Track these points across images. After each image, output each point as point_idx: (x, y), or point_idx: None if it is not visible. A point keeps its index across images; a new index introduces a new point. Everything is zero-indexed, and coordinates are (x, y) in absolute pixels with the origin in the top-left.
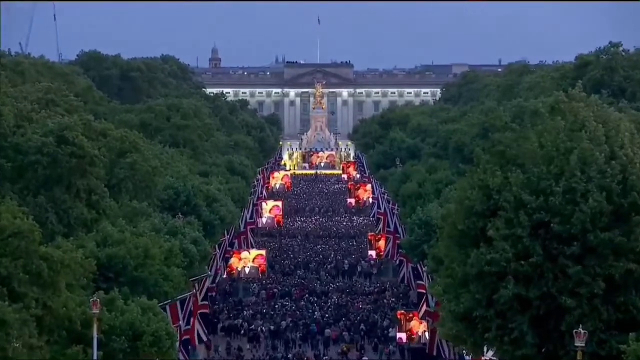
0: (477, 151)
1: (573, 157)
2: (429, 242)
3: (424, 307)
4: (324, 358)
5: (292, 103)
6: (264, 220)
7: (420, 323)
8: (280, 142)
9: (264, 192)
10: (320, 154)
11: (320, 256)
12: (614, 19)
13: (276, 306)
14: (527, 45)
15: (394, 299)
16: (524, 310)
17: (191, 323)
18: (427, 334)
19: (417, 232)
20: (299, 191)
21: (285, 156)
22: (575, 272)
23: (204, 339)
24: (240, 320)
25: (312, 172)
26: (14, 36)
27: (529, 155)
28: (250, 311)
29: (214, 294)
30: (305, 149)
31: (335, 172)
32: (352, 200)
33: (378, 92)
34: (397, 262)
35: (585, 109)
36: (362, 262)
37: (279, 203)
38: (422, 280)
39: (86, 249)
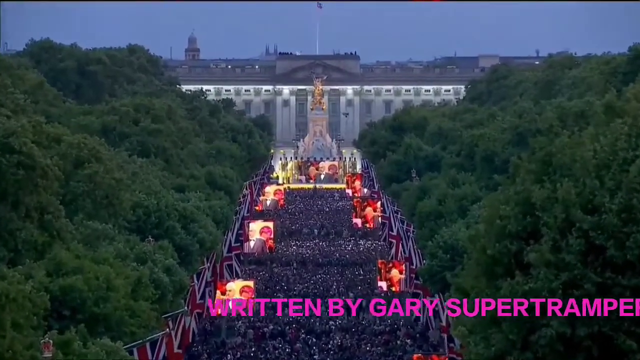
0: (515, 160)
1: (634, 168)
2: (453, 270)
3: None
4: None
5: (285, 103)
6: (251, 244)
7: None
8: (272, 150)
9: (252, 210)
10: (321, 164)
11: (321, 288)
12: None
13: (267, 349)
14: (570, 33)
15: (409, 340)
16: (569, 354)
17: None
18: None
19: (440, 257)
20: (294, 209)
21: (278, 167)
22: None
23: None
24: None
25: (310, 186)
26: None
27: (582, 164)
28: (237, 354)
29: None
30: (301, 158)
31: (338, 186)
32: (358, 221)
33: (390, 90)
34: (413, 294)
35: None
36: (371, 295)
37: (270, 224)
38: (443, 319)
39: (36, 279)
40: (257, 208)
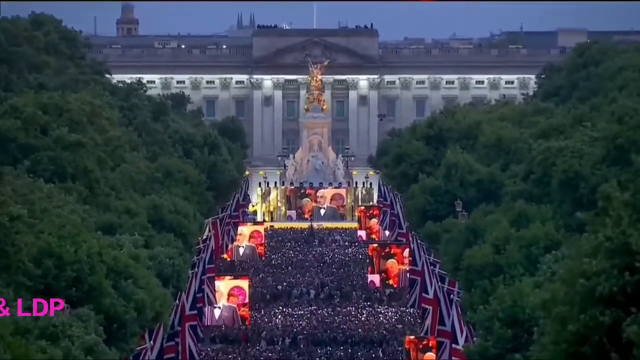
0: (606, 187)
1: None
2: (518, 351)
3: None
4: None
5: (267, 100)
6: (216, 312)
7: None
8: (247, 172)
9: (218, 261)
10: (320, 192)
11: None
12: None
13: None
14: None
15: None
16: None
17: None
18: None
19: (498, 332)
20: (280, 260)
21: (256, 197)
22: None
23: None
24: None
25: (305, 225)
26: None
27: None
28: None
29: None
30: (291, 183)
31: (345, 225)
32: (375, 277)
33: (423, 82)
34: None
35: None
36: None
37: (244, 282)
38: None
39: None
40: (224, 257)
